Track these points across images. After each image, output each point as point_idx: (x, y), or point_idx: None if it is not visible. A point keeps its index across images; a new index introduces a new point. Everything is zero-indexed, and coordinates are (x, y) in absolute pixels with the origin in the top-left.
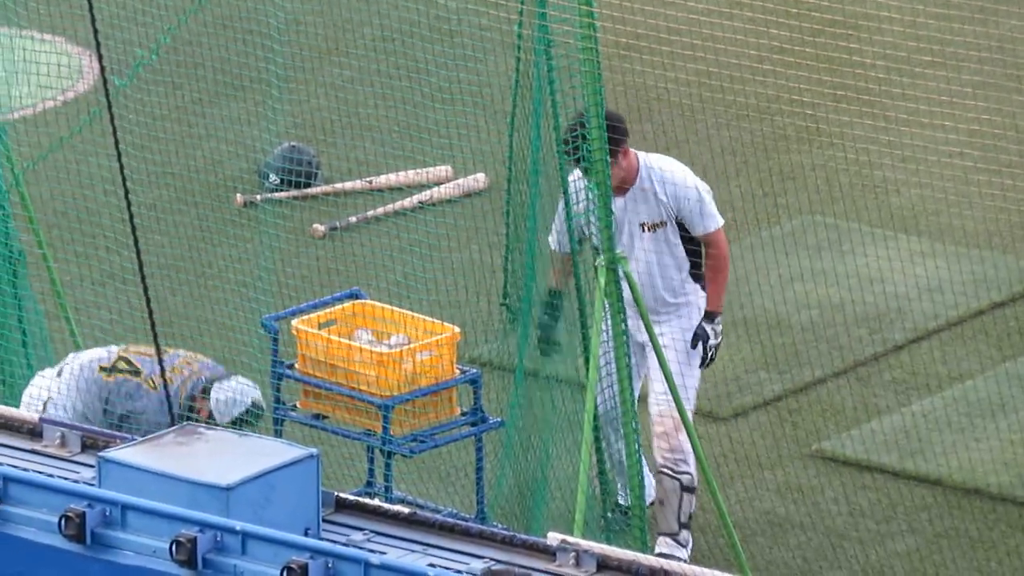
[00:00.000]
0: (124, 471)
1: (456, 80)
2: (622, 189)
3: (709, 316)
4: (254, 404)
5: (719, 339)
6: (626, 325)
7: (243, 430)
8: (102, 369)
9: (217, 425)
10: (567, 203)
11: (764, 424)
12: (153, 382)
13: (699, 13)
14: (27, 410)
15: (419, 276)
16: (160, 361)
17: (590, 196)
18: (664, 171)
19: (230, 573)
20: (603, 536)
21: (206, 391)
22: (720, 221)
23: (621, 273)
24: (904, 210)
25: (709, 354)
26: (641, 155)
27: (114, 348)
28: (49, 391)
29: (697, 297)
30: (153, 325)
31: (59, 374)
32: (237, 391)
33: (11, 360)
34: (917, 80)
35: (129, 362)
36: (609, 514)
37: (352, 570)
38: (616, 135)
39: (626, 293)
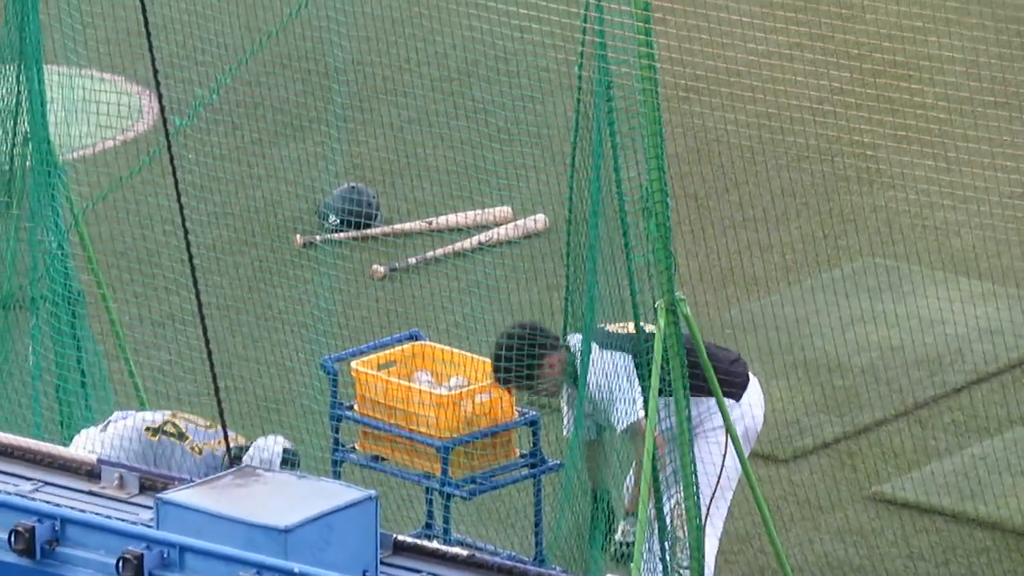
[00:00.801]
0: (182, 513)
1: (516, 121)
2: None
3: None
4: (285, 451)
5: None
6: (685, 367)
7: None
8: (148, 429)
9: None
10: (582, 376)
11: (823, 467)
12: (198, 448)
13: (759, 55)
14: None
15: (479, 317)
16: (219, 399)
17: (649, 237)
18: None
19: None
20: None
21: (239, 457)
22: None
23: (681, 315)
24: (964, 252)
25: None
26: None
27: (164, 413)
28: (93, 445)
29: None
30: (212, 366)
31: (103, 429)
32: (263, 448)
33: (70, 401)
34: (978, 121)
35: (176, 426)
36: (667, 556)
37: None
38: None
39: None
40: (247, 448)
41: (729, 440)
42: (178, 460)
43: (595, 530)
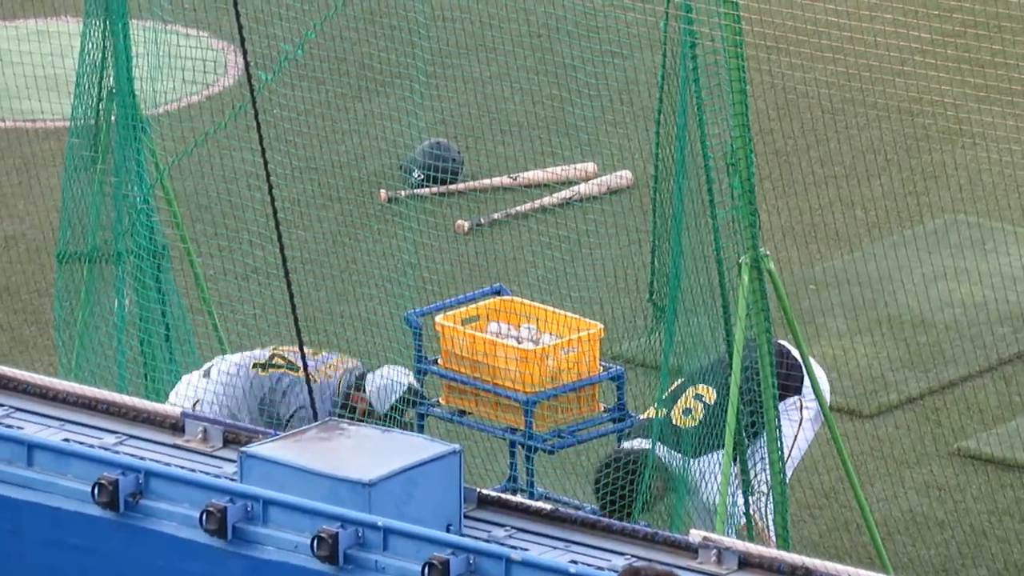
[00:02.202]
0: (266, 466)
1: (602, 77)
2: None
3: None
4: (410, 389)
5: None
6: (770, 323)
7: (401, 417)
8: (256, 366)
9: (374, 417)
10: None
11: (907, 422)
12: (314, 377)
13: (840, 15)
14: None
15: (563, 272)
16: (303, 354)
17: (734, 193)
18: None
19: (371, 569)
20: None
21: (360, 386)
22: None
23: (765, 271)
24: None
25: None
26: None
27: (266, 350)
28: (196, 392)
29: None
30: (296, 320)
31: (206, 375)
32: (392, 377)
33: (154, 355)
34: None
35: (284, 358)
36: (751, 510)
37: (494, 566)
38: None
39: None
40: (365, 374)
41: (804, 418)
42: (293, 391)
43: (680, 485)
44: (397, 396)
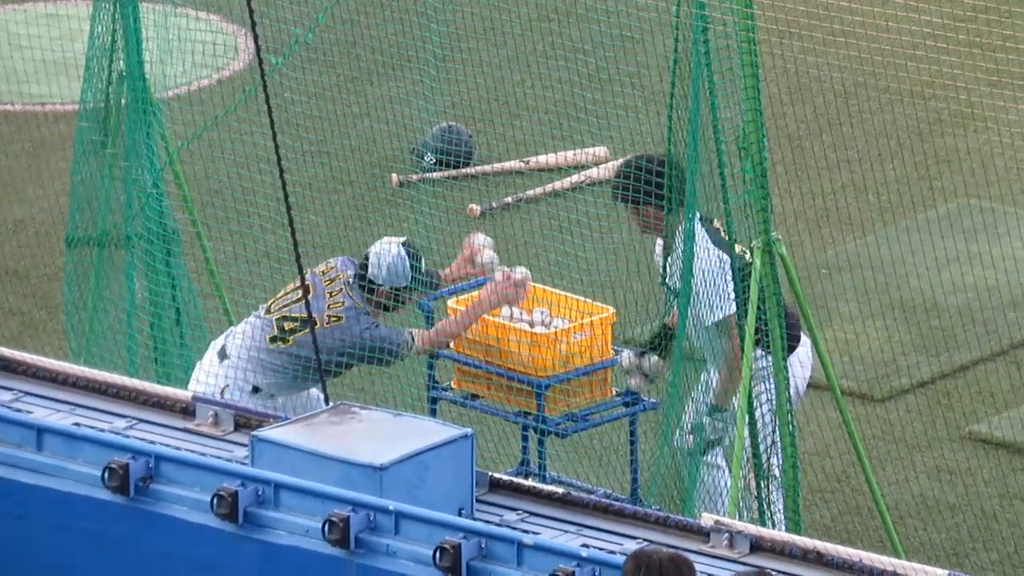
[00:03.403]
0: (277, 450)
1: (613, 61)
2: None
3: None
4: (405, 245)
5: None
6: (782, 307)
7: (421, 273)
8: (274, 339)
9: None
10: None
11: (918, 406)
12: (333, 315)
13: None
14: None
15: (575, 256)
16: (315, 340)
17: (746, 177)
18: None
19: (383, 553)
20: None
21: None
22: None
23: (777, 255)
24: None
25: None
26: None
27: (264, 317)
28: (226, 380)
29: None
30: (307, 304)
31: (223, 357)
32: (383, 254)
33: (165, 339)
34: None
35: (290, 319)
36: (763, 494)
37: (506, 550)
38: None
39: None
40: (364, 265)
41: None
42: (337, 334)
43: (692, 469)
44: (405, 261)
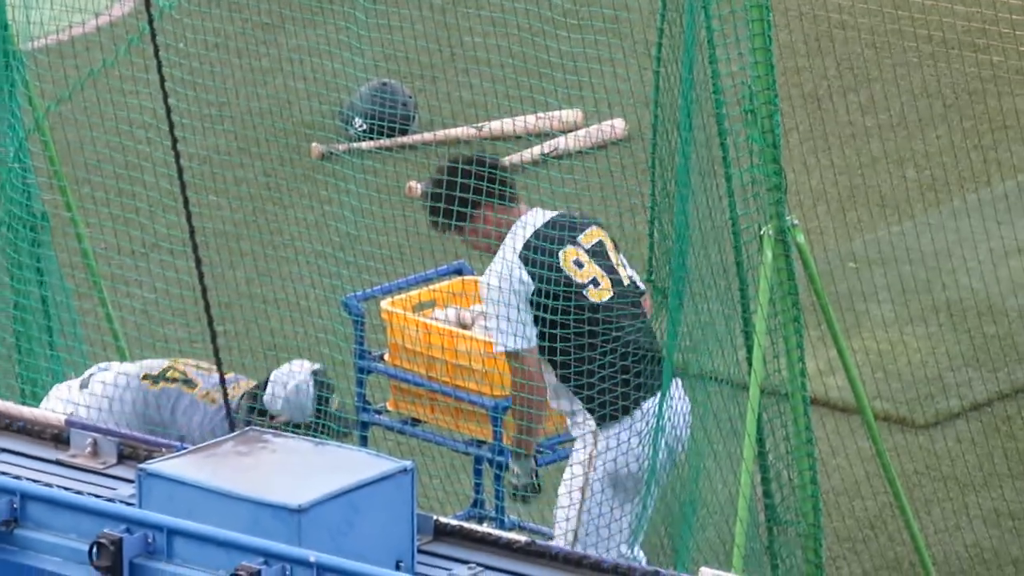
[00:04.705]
0: (171, 487)
1: (586, 2)
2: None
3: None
4: (315, 374)
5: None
6: (799, 309)
7: (329, 409)
8: (146, 378)
9: (301, 429)
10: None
11: (971, 434)
12: (212, 396)
13: None
14: None
15: None
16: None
17: (753, 148)
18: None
19: None
20: (769, 572)
21: (255, 397)
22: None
23: (793, 244)
24: None
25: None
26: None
27: (161, 361)
28: (75, 405)
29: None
30: (208, 306)
31: (84, 386)
32: (286, 376)
33: (32, 350)
34: None
35: (180, 371)
36: (776, 545)
37: None
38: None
39: None
40: (264, 385)
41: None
42: (188, 412)
43: (687, 512)
44: (310, 393)
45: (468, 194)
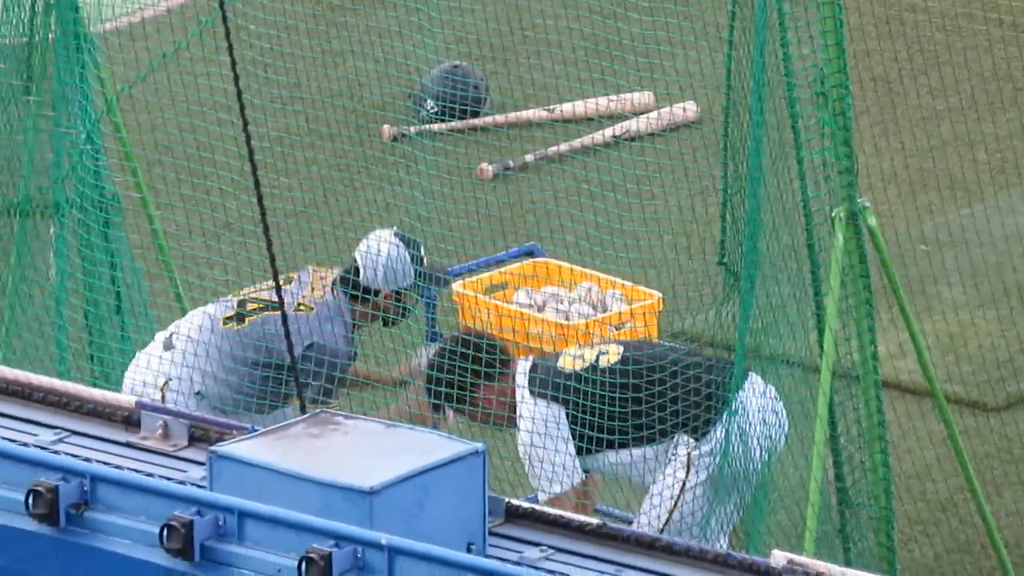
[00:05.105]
0: (242, 470)
1: None
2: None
3: None
4: (398, 235)
5: None
6: (870, 292)
7: (422, 267)
8: (228, 320)
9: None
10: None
11: None
12: (305, 304)
13: None
14: None
15: (611, 229)
16: (287, 332)
17: (825, 130)
18: None
19: None
20: (841, 554)
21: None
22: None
23: (865, 227)
24: None
25: None
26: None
27: (225, 299)
28: (165, 372)
29: None
30: (279, 288)
31: (168, 348)
32: (373, 249)
33: (102, 331)
34: None
35: (257, 300)
36: (848, 528)
37: None
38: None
39: None
40: (353, 271)
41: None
42: (294, 328)
43: (759, 496)
44: (403, 254)
45: (466, 377)
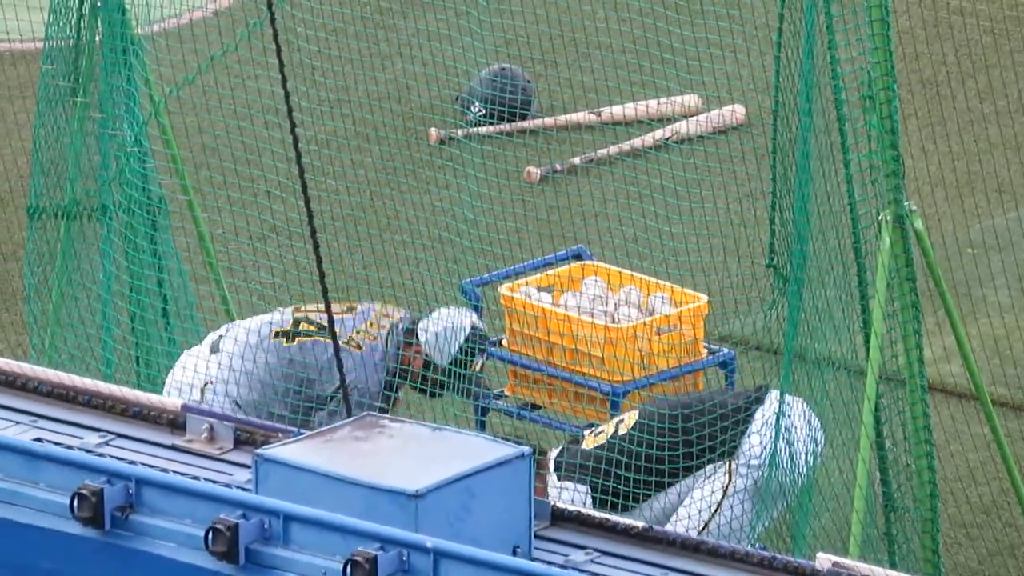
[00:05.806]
0: (288, 473)
1: None
2: None
3: None
4: (474, 329)
5: None
6: (916, 293)
7: (468, 369)
8: (278, 335)
9: (434, 373)
10: None
11: None
12: (356, 341)
13: None
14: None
15: (659, 231)
16: (332, 328)
17: (872, 133)
18: None
19: None
20: (886, 557)
21: (411, 333)
22: None
23: (911, 230)
24: None
25: None
26: None
27: (285, 310)
28: (206, 374)
29: None
30: (325, 291)
31: (214, 350)
32: (448, 319)
33: (148, 333)
34: None
35: (312, 321)
36: (894, 530)
37: None
38: None
39: None
40: (418, 320)
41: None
42: (330, 364)
43: (804, 498)
44: (459, 344)
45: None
